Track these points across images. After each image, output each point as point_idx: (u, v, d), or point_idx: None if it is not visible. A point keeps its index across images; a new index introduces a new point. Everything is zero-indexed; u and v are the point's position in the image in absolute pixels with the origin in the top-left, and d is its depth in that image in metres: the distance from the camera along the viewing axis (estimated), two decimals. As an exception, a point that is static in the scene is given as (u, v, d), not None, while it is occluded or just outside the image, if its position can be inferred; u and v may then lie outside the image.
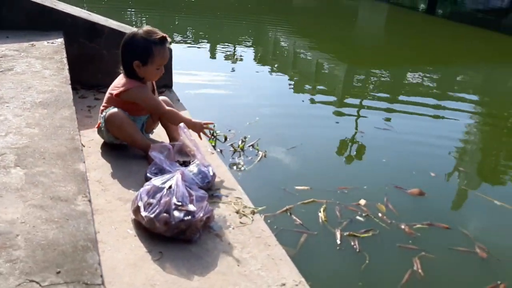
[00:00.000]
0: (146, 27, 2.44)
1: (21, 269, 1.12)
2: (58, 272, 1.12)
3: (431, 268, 2.41)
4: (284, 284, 1.82)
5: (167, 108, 2.57)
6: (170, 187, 2.03)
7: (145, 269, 1.80)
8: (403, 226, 2.77)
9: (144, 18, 10.28)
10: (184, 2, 12.56)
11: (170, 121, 2.64)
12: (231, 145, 3.60)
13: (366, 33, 11.82)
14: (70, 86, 2.32)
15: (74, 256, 1.18)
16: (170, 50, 3.70)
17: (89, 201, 1.42)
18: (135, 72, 2.42)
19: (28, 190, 1.43)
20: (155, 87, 2.72)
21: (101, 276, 1.13)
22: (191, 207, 1.99)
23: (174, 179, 2.07)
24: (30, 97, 2.11)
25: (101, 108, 2.55)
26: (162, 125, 2.79)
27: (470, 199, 3.39)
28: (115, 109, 2.44)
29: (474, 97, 6.55)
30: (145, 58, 2.38)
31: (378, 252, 2.46)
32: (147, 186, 2.07)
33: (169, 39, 2.45)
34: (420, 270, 2.37)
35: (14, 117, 1.90)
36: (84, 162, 1.64)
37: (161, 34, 2.40)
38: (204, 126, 2.62)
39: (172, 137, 2.73)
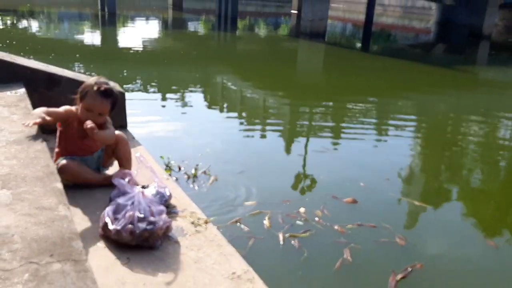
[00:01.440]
0: (100, 77, 2.78)
1: (21, 256, 1.44)
2: (51, 255, 1.46)
3: (358, 256, 2.89)
4: (234, 273, 2.19)
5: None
6: (132, 203, 2.38)
7: (115, 271, 2.12)
8: (336, 227, 3.28)
9: (93, 72, 10.61)
10: (129, 54, 12.99)
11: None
12: (185, 173, 3.97)
13: (306, 71, 12.67)
14: (37, 126, 2.65)
15: (63, 244, 1.52)
16: (123, 94, 4.09)
17: (68, 208, 1.76)
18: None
19: (16, 204, 1.75)
20: (106, 124, 2.85)
21: (86, 255, 1.47)
22: (152, 218, 2.34)
23: (136, 197, 2.43)
24: (4, 137, 2.42)
25: (55, 150, 2.85)
26: (115, 157, 3.05)
27: (395, 202, 3.98)
28: (64, 161, 2.73)
29: (404, 122, 7.33)
30: (82, 95, 2.70)
31: (314, 247, 2.91)
32: (112, 205, 2.40)
33: (105, 92, 2.68)
34: (349, 258, 2.83)
35: (-8, 153, 2.21)
36: (60, 181, 1.98)
37: (104, 86, 2.67)
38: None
39: (122, 167, 3.00)
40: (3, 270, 1.37)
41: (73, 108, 2.78)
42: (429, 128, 7.02)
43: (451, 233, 3.44)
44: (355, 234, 3.16)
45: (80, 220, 2.52)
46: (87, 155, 2.87)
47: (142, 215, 2.33)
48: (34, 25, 19.05)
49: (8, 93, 3.26)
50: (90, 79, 2.77)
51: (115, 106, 2.80)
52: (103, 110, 2.72)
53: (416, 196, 4.03)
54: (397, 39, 22.41)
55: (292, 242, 2.96)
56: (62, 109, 2.78)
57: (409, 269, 2.77)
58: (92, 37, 16.52)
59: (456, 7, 24.40)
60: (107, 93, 2.68)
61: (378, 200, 3.86)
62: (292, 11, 19.48)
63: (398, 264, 2.83)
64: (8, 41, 12.62)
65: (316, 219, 3.33)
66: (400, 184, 4.41)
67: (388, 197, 4.00)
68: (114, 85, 2.81)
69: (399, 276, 2.69)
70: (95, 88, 2.66)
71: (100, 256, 2.22)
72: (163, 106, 7.38)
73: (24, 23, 19.24)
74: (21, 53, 4.88)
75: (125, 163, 3.01)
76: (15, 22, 19.35)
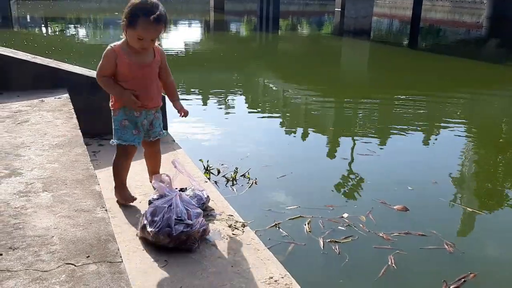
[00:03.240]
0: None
1: (59, 257, 1.47)
2: (88, 257, 1.47)
3: (404, 263, 2.74)
4: (271, 278, 2.15)
5: (101, 79, 2.58)
6: (170, 205, 2.39)
7: (153, 274, 2.13)
8: (381, 234, 3.09)
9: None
10: (171, 57, 13.25)
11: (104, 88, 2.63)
12: (224, 176, 3.97)
13: (350, 70, 12.45)
14: (79, 130, 2.72)
15: (99, 246, 1.53)
16: (163, 97, 4.15)
17: (106, 210, 1.78)
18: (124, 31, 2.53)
19: (56, 206, 1.79)
20: (158, 55, 2.69)
21: (121, 257, 1.48)
22: (189, 221, 2.34)
23: (173, 199, 2.43)
24: (47, 141, 2.50)
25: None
26: (146, 161, 3.01)
27: (445, 208, 3.73)
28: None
29: (454, 122, 7.02)
30: (131, 22, 2.46)
31: (356, 253, 2.79)
32: (151, 208, 2.42)
33: (159, 18, 2.42)
34: (394, 265, 2.69)
35: (37, 157, 2.28)
36: (99, 184, 2.01)
37: (156, 13, 2.41)
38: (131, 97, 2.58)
39: (153, 172, 2.95)
40: (41, 270, 1.40)
41: (113, 48, 2.55)
42: (481, 128, 6.67)
43: (506, 241, 3.19)
44: (401, 242, 2.98)
45: (120, 223, 2.56)
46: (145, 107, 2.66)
47: (179, 218, 2.34)
48: (81, 32, 19.81)
49: (53, 98, 3.38)
50: (132, 2, 2.46)
51: (167, 24, 2.54)
52: (157, 35, 2.54)
53: (468, 201, 3.80)
54: (447, 35, 21.61)
55: (333, 247, 2.85)
56: (105, 60, 2.56)
57: (463, 279, 2.58)
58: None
59: (509, 0, 23.34)
60: (159, 19, 2.43)
61: (427, 206, 3.64)
62: (336, 9, 19.24)
63: (448, 273, 2.64)
64: (53, 48, 13.19)
65: (361, 225, 3.18)
66: (450, 188, 4.16)
67: (438, 202, 3.77)
68: (158, 3, 2.51)
69: (451, 287, 2.51)
70: (146, 18, 2.39)
71: (139, 259, 2.24)
72: (204, 109, 7.45)
73: (71, 30, 20.06)
74: (66, 59, 5.04)
75: (154, 168, 2.98)
76: (63, 29, 20.22)
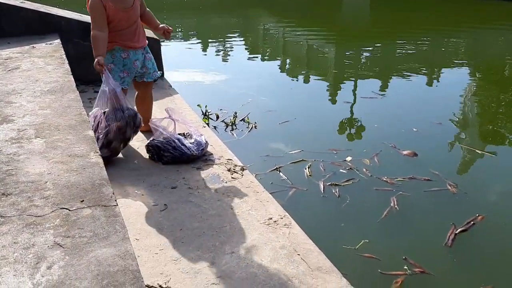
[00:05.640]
0: None
1: (53, 202, 1.44)
2: (82, 201, 1.45)
3: (407, 205, 2.69)
4: (270, 218, 2.15)
5: (93, 33, 2.56)
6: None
7: (153, 217, 2.13)
8: (385, 178, 3.00)
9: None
10: (166, 2, 12.82)
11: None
12: (223, 121, 3.91)
13: (352, 13, 12.05)
14: (71, 76, 2.64)
15: (93, 190, 1.51)
16: (158, 41, 4.02)
17: (100, 155, 1.74)
18: None
19: (49, 152, 1.75)
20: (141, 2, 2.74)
21: (116, 200, 1.46)
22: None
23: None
24: (39, 87, 2.43)
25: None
26: (137, 107, 2.93)
27: (451, 150, 3.63)
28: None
29: (456, 61, 6.86)
30: None
31: (357, 196, 2.75)
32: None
33: None
34: (396, 207, 2.66)
35: (28, 103, 2.22)
36: (92, 130, 1.96)
37: None
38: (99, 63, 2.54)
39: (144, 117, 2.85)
40: (35, 216, 1.38)
41: None
42: (484, 67, 6.51)
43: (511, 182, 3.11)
44: (404, 185, 2.91)
45: (120, 169, 2.55)
46: (133, 47, 2.71)
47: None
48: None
49: (44, 44, 3.27)
50: None
51: None
52: None
53: (471, 142, 3.70)
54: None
55: (333, 191, 2.82)
56: (96, 13, 2.54)
57: (471, 222, 2.52)
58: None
59: None
60: None
61: (433, 149, 3.55)
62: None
63: (453, 214, 2.60)
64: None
65: (364, 169, 3.10)
66: (454, 129, 4.08)
67: (443, 144, 3.69)
68: None
69: (459, 229, 2.45)
70: None
71: (139, 203, 2.24)
72: (202, 54, 7.28)
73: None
74: (58, 5, 4.86)
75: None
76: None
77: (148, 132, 2.88)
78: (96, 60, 2.50)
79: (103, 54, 2.53)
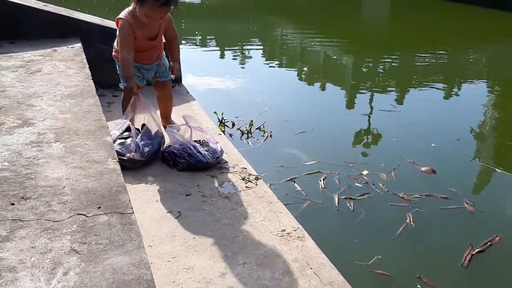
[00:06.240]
0: None
1: (70, 207, 1.46)
2: (99, 208, 1.46)
3: (423, 222, 2.64)
4: (284, 230, 2.14)
5: (123, 55, 2.62)
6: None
7: (167, 224, 2.14)
8: (401, 194, 2.96)
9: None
10: (187, 6, 12.92)
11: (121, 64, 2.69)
12: (239, 128, 3.92)
13: (371, 23, 12.00)
14: (92, 81, 2.67)
15: (110, 197, 1.52)
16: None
17: (117, 161, 1.76)
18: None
19: (68, 157, 1.77)
20: (164, 23, 2.75)
21: (132, 208, 1.47)
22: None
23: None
24: (60, 91, 2.47)
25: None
26: (158, 103, 3.09)
27: (470, 167, 3.55)
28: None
29: (476, 76, 6.76)
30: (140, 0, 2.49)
31: (372, 211, 2.72)
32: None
33: (166, 2, 2.45)
34: (412, 224, 2.62)
35: (49, 107, 2.25)
36: (111, 135, 1.98)
37: None
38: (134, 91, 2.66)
39: (164, 114, 3.09)
40: (53, 221, 1.39)
41: (127, 21, 2.58)
42: (505, 83, 6.42)
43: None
44: (421, 202, 2.86)
45: (135, 174, 2.57)
46: (147, 63, 2.85)
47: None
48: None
49: (65, 47, 3.32)
50: None
51: (177, 5, 2.55)
52: (164, 15, 2.61)
53: (490, 160, 3.63)
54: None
55: (348, 204, 2.79)
56: (126, 36, 2.60)
57: (489, 243, 2.47)
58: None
59: None
60: (168, 3, 2.47)
61: (451, 166, 3.49)
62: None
63: (470, 233, 2.56)
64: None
65: (380, 184, 3.06)
66: (473, 145, 4.02)
67: (461, 161, 3.61)
68: None
69: (476, 250, 2.41)
70: (154, 2, 2.43)
71: (153, 210, 2.25)
72: (220, 60, 7.31)
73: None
74: (79, 8, 4.93)
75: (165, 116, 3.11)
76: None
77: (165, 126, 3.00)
78: (129, 85, 2.64)
79: (132, 75, 2.66)
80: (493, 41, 9.01)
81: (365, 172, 3.24)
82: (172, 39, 2.89)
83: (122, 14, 2.61)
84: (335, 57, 7.85)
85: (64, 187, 1.58)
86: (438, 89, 5.82)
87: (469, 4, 13.26)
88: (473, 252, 2.41)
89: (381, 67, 7.15)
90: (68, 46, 3.38)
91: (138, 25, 2.60)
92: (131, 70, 2.66)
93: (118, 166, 1.72)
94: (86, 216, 1.42)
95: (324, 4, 14.11)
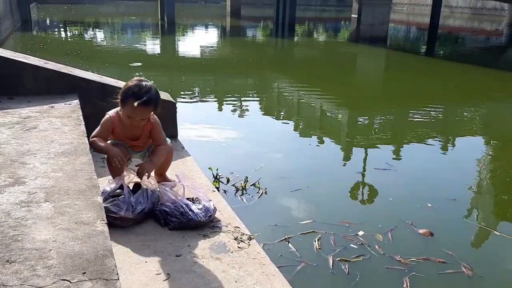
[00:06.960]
0: (137, 80, 2.66)
1: (55, 272, 1.43)
2: (84, 273, 1.43)
3: (421, 287, 2.57)
4: (276, 295, 2.08)
5: (91, 140, 2.69)
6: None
7: (155, 287, 2.08)
8: (398, 257, 2.91)
9: (151, 80, 10.87)
10: (187, 61, 13.26)
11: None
12: (233, 185, 3.91)
13: (365, 77, 12.30)
14: (86, 138, 2.69)
15: (96, 261, 1.49)
16: (174, 104, 4.12)
17: (106, 223, 1.74)
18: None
19: (57, 218, 1.76)
20: (148, 128, 2.82)
21: (117, 274, 1.43)
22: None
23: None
24: (54, 149, 2.48)
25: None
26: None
27: (467, 231, 3.50)
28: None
29: (472, 134, 6.84)
30: (122, 100, 2.65)
31: (368, 274, 2.66)
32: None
33: (145, 103, 2.57)
34: (409, 288, 2.56)
35: (41, 165, 2.26)
36: (101, 196, 1.97)
37: (142, 98, 2.55)
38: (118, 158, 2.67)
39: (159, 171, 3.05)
40: (36, 286, 1.36)
41: (111, 117, 2.76)
42: (502, 142, 6.48)
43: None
44: (418, 266, 2.81)
45: (126, 233, 2.53)
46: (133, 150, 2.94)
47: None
48: (99, 35, 20.04)
49: (63, 104, 3.37)
50: (128, 83, 2.67)
51: (157, 106, 2.69)
52: (145, 116, 2.70)
53: (487, 221, 3.60)
54: (466, 42, 21.19)
55: (342, 267, 2.73)
56: (103, 128, 2.77)
57: None
58: (152, 46, 17.12)
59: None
60: (147, 103, 2.60)
61: (448, 227, 3.45)
62: (352, 16, 19.03)
63: None
64: (69, 51, 13.35)
65: (376, 246, 3.01)
66: (469, 206, 3.98)
67: (458, 222, 3.57)
68: (152, 86, 2.66)
69: None
70: (133, 101, 2.56)
71: (142, 271, 2.20)
72: (217, 115, 7.40)
73: (89, 34, 20.31)
74: (80, 62, 5.04)
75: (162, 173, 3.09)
76: (81, 33, 20.49)
77: (159, 183, 2.92)
78: (110, 154, 2.68)
79: (107, 146, 2.71)
80: (487, 99, 9.18)
81: (360, 233, 3.20)
82: (158, 144, 2.86)
83: (110, 111, 2.78)
84: (330, 112, 7.97)
85: (50, 250, 1.55)
86: (432, 145, 5.86)
87: (462, 63, 13.68)
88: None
89: (376, 122, 7.25)
90: (66, 103, 3.44)
91: (120, 122, 2.74)
92: (102, 144, 2.69)
93: (106, 228, 1.70)
94: (70, 282, 1.39)
95: (320, 62, 14.49)
